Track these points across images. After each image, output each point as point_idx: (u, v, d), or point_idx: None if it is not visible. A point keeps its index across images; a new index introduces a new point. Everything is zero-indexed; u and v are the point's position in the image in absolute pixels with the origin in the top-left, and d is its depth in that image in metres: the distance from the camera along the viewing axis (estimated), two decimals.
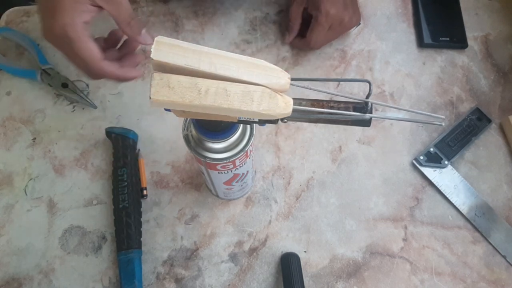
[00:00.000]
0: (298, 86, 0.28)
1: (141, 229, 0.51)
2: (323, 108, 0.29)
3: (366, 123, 0.29)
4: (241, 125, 0.37)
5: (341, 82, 0.60)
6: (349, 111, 0.29)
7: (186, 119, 0.38)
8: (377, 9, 0.64)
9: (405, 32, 0.63)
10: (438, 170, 0.54)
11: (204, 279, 0.50)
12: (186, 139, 0.37)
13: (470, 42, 0.62)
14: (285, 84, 0.28)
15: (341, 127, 0.57)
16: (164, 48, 0.26)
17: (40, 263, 0.50)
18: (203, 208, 0.53)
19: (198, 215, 0.52)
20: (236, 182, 0.45)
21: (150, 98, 0.26)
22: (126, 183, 0.51)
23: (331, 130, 0.57)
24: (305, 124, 0.57)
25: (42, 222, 0.52)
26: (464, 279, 0.50)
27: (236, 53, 0.28)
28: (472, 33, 0.63)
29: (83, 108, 0.58)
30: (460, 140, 0.55)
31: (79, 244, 0.51)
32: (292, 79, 0.28)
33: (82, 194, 0.53)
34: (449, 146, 0.55)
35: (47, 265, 0.50)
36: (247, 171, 0.44)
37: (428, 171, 0.54)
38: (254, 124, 0.37)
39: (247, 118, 0.29)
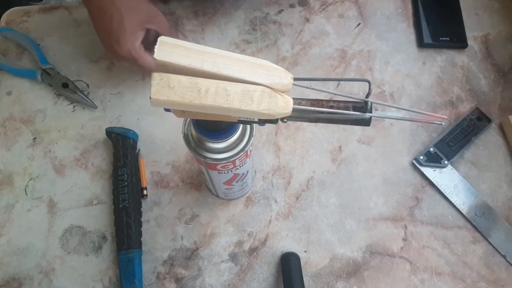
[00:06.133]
0: (301, 86, 0.28)
1: (141, 229, 0.51)
2: (322, 107, 0.29)
3: (366, 122, 0.29)
4: (241, 125, 0.37)
5: (341, 82, 0.60)
6: (349, 110, 0.29)
7: (186, 119, 0.38)
8: (377, 9, 0.64)
9: (405, 32, 0.63)
10: (438, 170, 0.54)
11: (204, 278, 0.50)
12: (186, 139, 0.37)
13: (470, 42, 0.62)
14: (288, 84, 0.28)
15: (341, 127, 0.57)
16: (167, 48, 0.26)
17: (41, 263, 0.50)
18: (203, 208, 0.53)
19: (198, 215, 0.52)
20: (236, 182, 0.45)
21: (150, 97, 0.26)
22: (126, 183, 0.51)
23: (331, 130, 0.57)
24: (305, 124, 0.57)
25: (42, 222, 0.52)
26: (464, 278, 0.50)
27: (236, 53, 0.28)
28: (472, 33, 0.63)
29: (83, 108, 0.58)
30: (460, 140, 0.55)
31: (80, 244, 0.51)
32: (295, 79, 0.28)
33: (83, 194, 0.53)
34: (449, 146, 0.55)
35: (48, 265, 0.50)
36: (247, 171, 0.44)
37: (428, 171, 0.54)
38: (254, 124, 0.37)
39: (247, 118, 0.29)
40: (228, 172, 0.40)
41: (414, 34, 0.63)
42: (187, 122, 0.38)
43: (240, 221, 0.52)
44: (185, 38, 0.60)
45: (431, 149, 0.55)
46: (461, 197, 0.53)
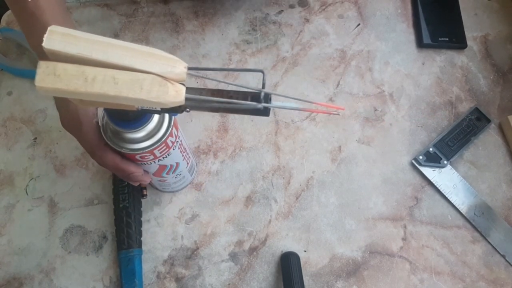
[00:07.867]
0: (196, 75, 0.29)
1: (142, 228, 0.51)
2: (222, 97, 0.30)
3: (263, 112, 0.30)
4: (158, 116, 0.37)
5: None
6: (247, 101, 0.30)
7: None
8: (376, 10, 0.65)
9: (404, 33, 0.63)
10: (437, 169, 0.54)
11: (205, 278, 0.50)
12: (103, 129, 0.37)
13: (469, 42, 0.62)
14: (181, 73, 0.27)
15: (341, 127, 0.57)
16: (57, 37, 0.26)
17: (41, 262, 0.50)
18: (204, 207, 0.53)
19: (199, 214, 0.53)
20: (167, 173, 0.45)
21: (36, 85, 0.26)
22: (126, 183, 0.51)
23: (330, 130, 0.57)
24: (305, 124, 0.57)
25: (43, 221, 0.52)
26: (463, 278, 0.50)
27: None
28: (471, 33, 0.63)
29: None
30: (460, 140, 0.55)
31: (80, 243, 0.51)
32: (189, 68, 0.28)
33: (83, 193, 0.53)
34: (448, 146, 0.55)
35: (48, 265, 0.50)
36: (177, 163, 0.44)
37: (428, 171, 0.54)
38: (173, 116, 0.37)
39: (148, 107, 0.29)
40: (150, 163, 0.40)
41: (413, 35, 0.63)
42: (103, 112, 0.38)
43: (240, 221, 0.52)
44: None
45: (431, 149, 0.55)
46: (460, 197, 0.53)
